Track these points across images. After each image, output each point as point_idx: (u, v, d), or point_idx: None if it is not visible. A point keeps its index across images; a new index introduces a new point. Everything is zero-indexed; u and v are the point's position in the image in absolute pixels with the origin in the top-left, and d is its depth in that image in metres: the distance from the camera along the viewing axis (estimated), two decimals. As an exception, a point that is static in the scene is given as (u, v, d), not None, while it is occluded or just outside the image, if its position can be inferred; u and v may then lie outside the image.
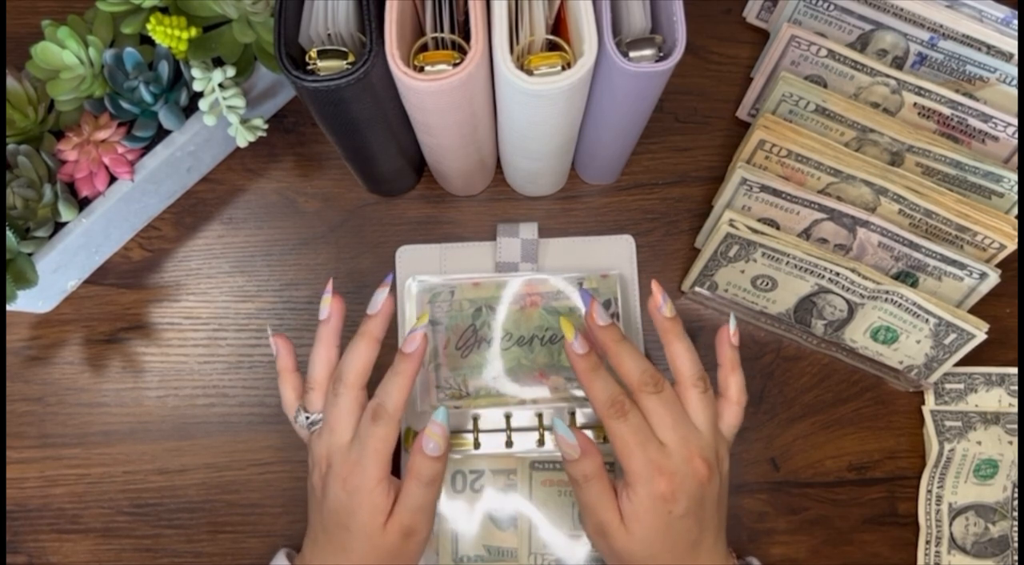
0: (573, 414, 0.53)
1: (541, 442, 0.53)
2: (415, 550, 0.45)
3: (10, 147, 0.49)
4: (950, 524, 0.53)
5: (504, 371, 0.54)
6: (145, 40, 0.51)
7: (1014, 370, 0.55)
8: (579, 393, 0.54)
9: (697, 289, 0.55)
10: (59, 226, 0.50)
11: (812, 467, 0.55)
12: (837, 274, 0.51)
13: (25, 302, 0.52)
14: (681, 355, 0.45)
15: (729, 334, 0.47)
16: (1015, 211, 0.53)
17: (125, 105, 0.50)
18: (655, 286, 0.46)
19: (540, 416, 0.53)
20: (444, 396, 0.54)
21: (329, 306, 0.46)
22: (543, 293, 0.55)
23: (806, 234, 0.53)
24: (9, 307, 0.49)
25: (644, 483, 0.42)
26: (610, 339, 0.45)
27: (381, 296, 0.45)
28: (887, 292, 0.50)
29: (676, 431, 0.42)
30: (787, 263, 0.51)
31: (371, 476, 0.43)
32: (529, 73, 0.40)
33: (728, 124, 0.60)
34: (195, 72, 0.47)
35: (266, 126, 0.51)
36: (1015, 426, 0.53)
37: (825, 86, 0.55)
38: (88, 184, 0.50)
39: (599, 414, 0.43)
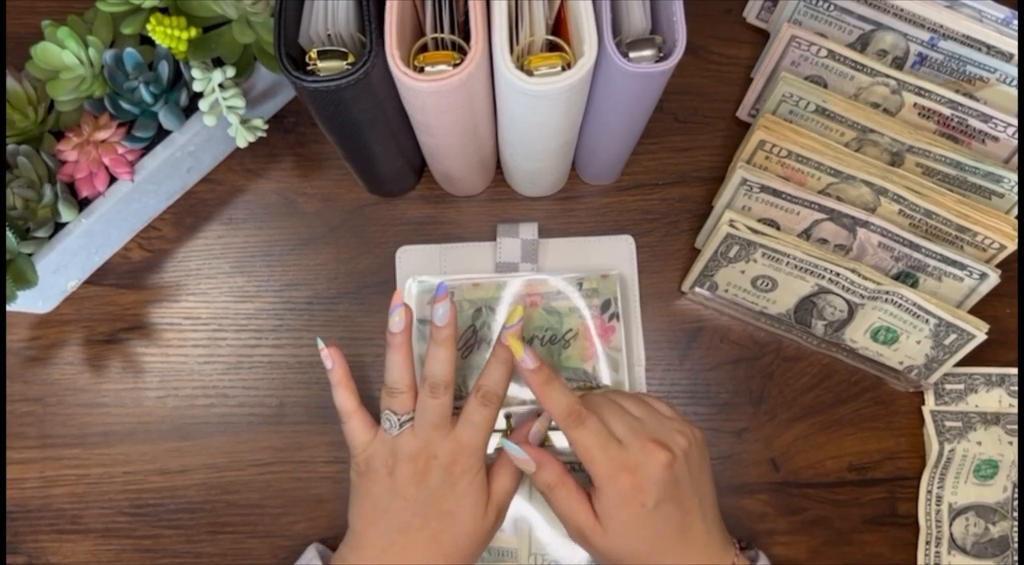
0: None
1: (541, 442, 0.53)
2: (496, 531, 0.48)
3: (10, 147, 0.49)
4: (950, 524, 0.53)
5: (504, 371, 0.54)
6: (145, 40, 0.51)
7: (1014, 370, 0.55)
8: (579, 394, 0.54)
9: (697, 289, 0.55)
10: (59, 226, 0.50)
11: (812, 467, 0.55)
12: (837, 274, 0.51)
13: (25, 302, 0.52)
14: (550, 399, 0.45)
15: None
16: (1015, 211, 0.53)
17: (125, 105, 0.50)
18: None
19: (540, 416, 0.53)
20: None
21: (404, 317, 0.48)
22: (543, 293, 0.55)
23: (806, 234, 0.53)
24: (9, 307, 0.49)
25: (611, 482, 0.43)
26: (536, 382, 0.46)
27: (445, 308, 0.47)
28: (887, 292, 0.50)
29: (630, 425, 0.44)
30: (787, 263, 0.51)
31: (480, 459, 0.47)
32: (529, 73, 0.40)
33: (728, 124, 0.60)
34: (195, 72, 0.47)
35: (266, 126, 0.51)
36: (1015, 426, 0.53)
37: (825, 86, 0.55)
38: (88, 184, 0.50)
39: (559, 425, 0.45)
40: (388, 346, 0.48)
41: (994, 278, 0.50)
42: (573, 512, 0.45)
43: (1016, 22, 0.53)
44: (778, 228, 0.53)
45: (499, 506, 0.47)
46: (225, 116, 0.48)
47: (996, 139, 0.54)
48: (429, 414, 0.46)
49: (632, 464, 0.43)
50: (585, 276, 0.55)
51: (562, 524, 0.46)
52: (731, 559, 0.45)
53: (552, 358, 0.54)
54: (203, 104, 0.47)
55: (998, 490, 0.53)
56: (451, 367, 0.47)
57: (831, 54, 0.54)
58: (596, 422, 0.44)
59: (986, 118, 0.53)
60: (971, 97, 0.53)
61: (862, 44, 0.56)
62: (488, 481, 0.47)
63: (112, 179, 0.51)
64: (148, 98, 0.49)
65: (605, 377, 0.54)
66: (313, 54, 0.42)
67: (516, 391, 0.54)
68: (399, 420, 0.47)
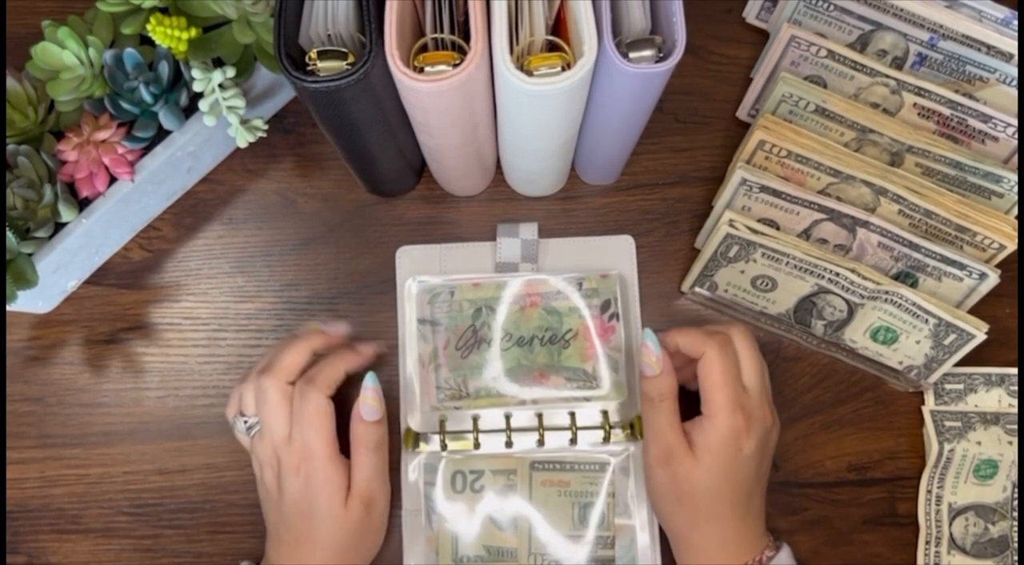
0: (573, 415, 0.53)
1: (541, 442, 0.53)
2: (379, 522, 0.47)
3: (10, 147, 0.49)
4: (950, 524, 0.53)
5: (504, 371, 0.54)
6: (145, 40, 0.51)
7: (1014, 370, 0.55)
8: (579, 393, 0.54)
9: (697, 289, 0.55)
10: (59, 226, 0.50)
11: (812, 467, 0.55)
12: (837, 274, 0.51)
13: (25, 302, 0.52)
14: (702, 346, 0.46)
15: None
16: (1015, 211, 0.53)
17: (125, 105, 0.50)
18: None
19: (540, 416, 0.53)
20: (444, 396, 0.54)
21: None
22: (543, 293, 0.55)
23: (806, 234, 0.53)
24: (9, 307, 0.49)
25: (727, 415, 0.44)
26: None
27: (341, 328, 0.50)
28: (887, 292, 0.51)
29: (759, 379, 0.46)
30: (787, 263, 0.51)
31: (320, 455, 0.44)
32: (529, 74, 0.40)
33: (728, 124, 0.60)
34: (195, 72, 0.47)
35: (266, 126, 0.51)
36: (1015, 426, 0.53)
37: (825, 86, 0.55)
38: (88, 184, 0.50)
39: (704, 344, 0.45)
40: (294, 337, 0.49)
41: (994, 278, 0.51)
42: (671, 429, 0.44)
43: (1016, 22, 0.53)
44: (778, 228, 0.53)
45: (364, 496, 0.46)
46: (225, 116, 0.48)
47: (996, 139, 0.54)
48: (263, 412, 0.46)
49: (749, 409, 0.44)
50: (585, 276, 0.55)
51: (649, 441, 0.46)
52: (768, 540, 0.47)
53: (552, 358, 0.54)
54: (203, 104, 0.47)
55: (998, 490, 0.53)
56: (296, 361, 0.47)
57: (831, 54, 0.54)
58: (735, 357, 0.45)
59: (986, 118, 0.53)
60: (971, 97, 0.53)
61: (862, 44, 0.56)
62: (350, 473, 0.46)
63: (112, 179, 0.51)
64: (148, 98, 0.49)
65: (605, 377, 0.54)
66: (313, 54, 0.42)
67: (516, 391, 0.54)
68: (246, 423, 0.47)
